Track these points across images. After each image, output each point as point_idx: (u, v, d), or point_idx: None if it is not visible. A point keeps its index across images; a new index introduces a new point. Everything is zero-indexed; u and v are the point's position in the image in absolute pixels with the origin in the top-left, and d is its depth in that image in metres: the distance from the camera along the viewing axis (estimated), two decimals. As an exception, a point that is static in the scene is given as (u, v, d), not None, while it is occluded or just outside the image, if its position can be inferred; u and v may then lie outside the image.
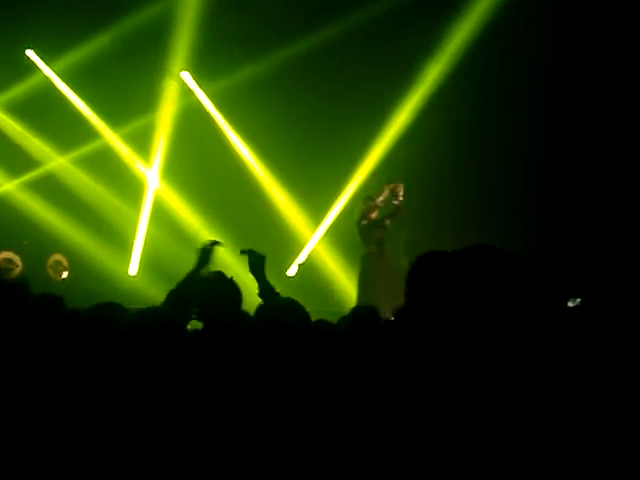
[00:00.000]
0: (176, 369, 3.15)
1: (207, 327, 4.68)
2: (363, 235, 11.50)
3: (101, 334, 4.11)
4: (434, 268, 2.82)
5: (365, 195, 12.12)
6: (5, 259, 11.51)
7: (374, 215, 11.48)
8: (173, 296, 5.02)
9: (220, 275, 4.95)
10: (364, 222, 11.46)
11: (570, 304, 5.14)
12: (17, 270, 11.56)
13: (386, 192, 11.64)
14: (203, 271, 5.19)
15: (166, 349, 3.32)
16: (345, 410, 3.00)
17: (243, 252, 5.20)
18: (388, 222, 11.62)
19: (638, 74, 11.36)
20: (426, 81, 12.82)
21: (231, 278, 4.91)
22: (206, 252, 5.27)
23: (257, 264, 5.06)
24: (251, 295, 5.08)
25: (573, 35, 11.83)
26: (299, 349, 3.75)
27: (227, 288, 4.83)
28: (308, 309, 12.02)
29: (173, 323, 3.44)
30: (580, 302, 5.12)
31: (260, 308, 4.16)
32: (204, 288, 4.88)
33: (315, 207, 13.98)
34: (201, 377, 3.06)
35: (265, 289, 4.96)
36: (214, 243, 5.36)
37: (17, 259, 11.58)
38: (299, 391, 3.46)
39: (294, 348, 3.76)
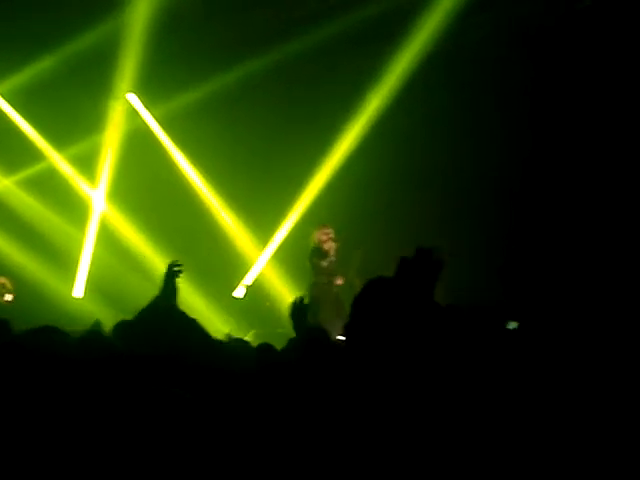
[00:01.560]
0: (116, 396, 3.11)
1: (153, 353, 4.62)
2: (314, 266, 11.55)
3: (39, 361, 4.06)
4: (377, 294, 2.87)
5: (318, 223, 12.10)
6: (0, 284, 11.40)
7: (326, 247, 11.52)
8: (125, 325, 4.89)
9: (171, 306, 4.86)
10: (315, 257, 11.50)
11: (510, 327, 5.25)
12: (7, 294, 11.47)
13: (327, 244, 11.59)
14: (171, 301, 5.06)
15: (105, 376, 3.28)
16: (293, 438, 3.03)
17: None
18: (325, 264, 11.61)
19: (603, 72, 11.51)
20: (376, 98, 12.90)
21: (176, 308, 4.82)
22: (170, 278, 5.09)
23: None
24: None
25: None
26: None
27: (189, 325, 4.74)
28: (254, 331, 12.03)
29: (114, 349, 3.39)
30: (517, 326, 5.23)
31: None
32: (162, 320, 4.78)
33: (262, 229, 14.00)
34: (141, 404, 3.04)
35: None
36: (175, 265, 5.16)
37: (9, 284, 11.49)
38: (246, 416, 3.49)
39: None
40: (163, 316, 4.79)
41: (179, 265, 5.14)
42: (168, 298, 5.01)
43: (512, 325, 5.51)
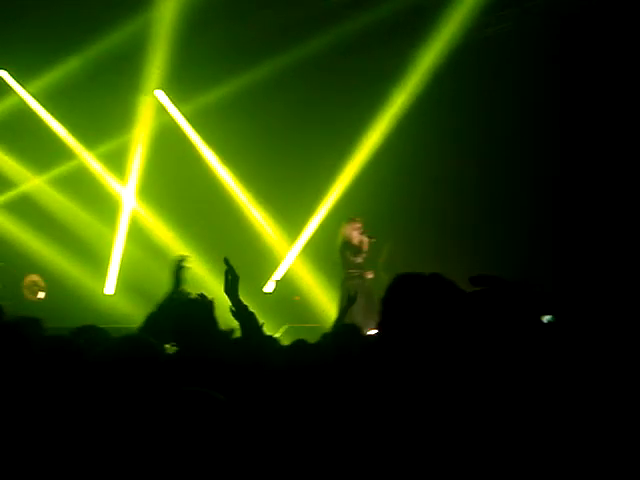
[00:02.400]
0: (153, 398, 3.10)
1: (181, 351, 4.69)
2: (345, 260, 11.51)
3: (77, 362, 4.09)
4: (408, 290, 2.86)
5: (347, 215, 12.10)
6: (32, 281, 11.56)
7: (356, 242, 11.49)
8: (151, 320, 5.04)
9: (193, 298, 4.98)
10: (346, 250, 11.48)
11: (544, 320, 5.21)
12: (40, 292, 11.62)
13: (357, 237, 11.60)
14: (182, 292, 5.21)
15: (144, 378, 3.30)
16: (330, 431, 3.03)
17: (226, 262, 5.22)
18: (359, 260, 11.60)
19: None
20: (401, 96, 12.87)
21: (202, 299, 4.93)
22: (178, 271, 5.30)
23: (232, 284, 5.07)
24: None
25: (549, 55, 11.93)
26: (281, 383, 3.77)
27: (200, 311, 4.84)
28: (286, 326, 12.05)
29: (152, 351, 3.41)
30: (553, 318, 5.19)
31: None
32: (178, 312, 4.91)
33: (291, 224, 14.01)
34: (176, 406, 3.04)
35: (238, 309, 4.98)
36: (182, 259, 5.39)
37: (41, 281, 11.63)
38: (285, 418, 3.50)
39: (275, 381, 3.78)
40: (178, 308, 4.95)
41: (185, 258, 5.41)
42: (175, 291, 5.24)
43: (547, 318, 5.48)
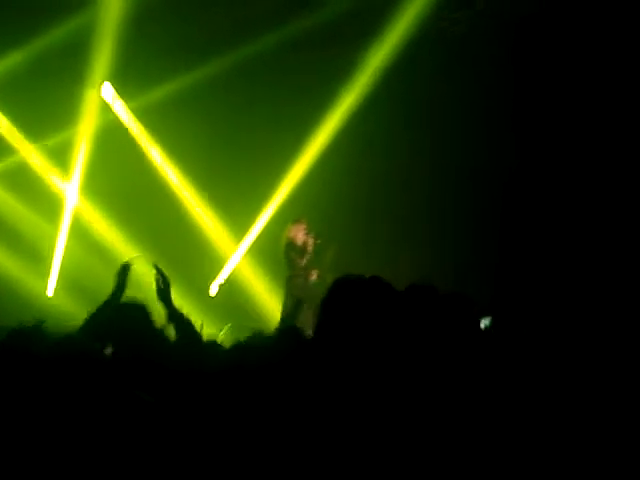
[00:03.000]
0: (84, 400, 3.05)
1: (117, 353, 4.65)
2: (289, 261, 11.52)
3: (17, 364, 4.02)
4: (346, 294, 2.86)
5: (293, 218, 12.06)
6: None
7: (300, 243, 11.49)
8: (90, 322, 5.02)
9: (128, 302, 4.98)
10: (290, 251, 11.47)
11: (482, 325, 5.25)
12: None
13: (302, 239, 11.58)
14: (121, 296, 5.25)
15: (78, 378, 3.25)
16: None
17: (156, 267, 5.22)
18: (311, 250, 11.59)
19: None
20: (351, 95, 12.87)
21: (137, 303, 4.93)
22: (121, 276, 5.33)
23: (163, 290, 5.08)
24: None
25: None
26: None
27: (134, 313, 4.83)
28: (229, 324, 11.93)
29: (88, 352, 3.38)
30: (490, 321, 5.22)
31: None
32: (111, 314, 4.93)
33: (237, 224, 13.94)
34: (104, 407, 3.00)
35: (172, 314, 4.95)
36: (127, 266, 5.44)
37: None
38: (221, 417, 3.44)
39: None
40: (112, 311, 5.00)
41: (131, 263, 5.49)
42: (116, 294, 5.27)
43: (485, 321, 5.50)
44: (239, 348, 5.00)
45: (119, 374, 3.46)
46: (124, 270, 5.40)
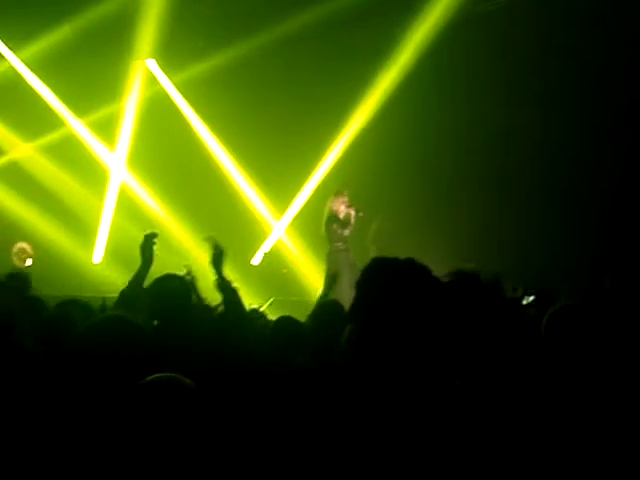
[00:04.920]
0: (124, 388, 3.04)
1: (160, 327, 4.74)
2: (330, 233, 11.47)
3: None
4: (381, 276, 2.85)
5: (335, 189, 12.08)
6: (20, 248, 11.51)
7: (342, 215, 11.45)
8: (124, 296, 5.08)
9: (170, 274, 5.04)
10: (332, 224, 11.43)
11: (524, 302, 5.29)
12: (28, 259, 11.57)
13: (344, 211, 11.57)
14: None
15: (125, 361, 3.28)
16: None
17: (207, 239, 5.27)
18: (347, 232, 11.57)
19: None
20: (393, 71, 12.84)
21: (176, 275, 5.00)
22: (146, 248, 5.29)
23: (217, 258, 5.13)
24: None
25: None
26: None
27: (172, 285, 4.90)
28: (272, 299, 12.04)
29: (132, 331, 3.42)
30: (533, 300, 5.25)
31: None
32: (154, 288, 4.97)
33: (281, 196, 14.01)
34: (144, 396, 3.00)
35: (223, 283, 5.03)
36: (151, 236, 5.36)
37: (29, 249, 11.60)
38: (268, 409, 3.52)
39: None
40: (155, 284, 5.01)
41: (155, 235, 5.36)
42: (145, 268, 5.21)
43: (529, 299, 5.53)
44: (280, 328, 5.14)
45: (162, 355, 3.48)
46: (149, 242, 5.30)
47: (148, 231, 5.43)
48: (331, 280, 8.07)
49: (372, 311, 2.70)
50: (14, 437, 3.09)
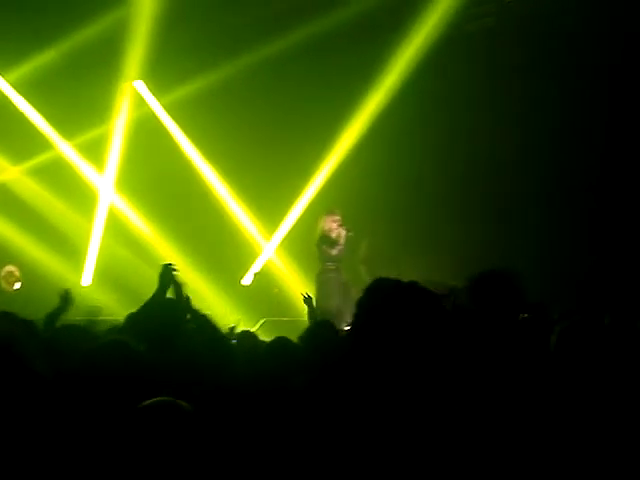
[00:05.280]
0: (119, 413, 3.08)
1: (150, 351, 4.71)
2: (322, 253, 11.48)
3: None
4: (383, 298, 2.84)
5: (324, 208, 12.07)
6: (8, 272, 11.49)
7: (334, 235, 11.45)
8: (131, 320, 5.06)
9: (166, 298, 5.03)
10: (323, 243, 11.43)
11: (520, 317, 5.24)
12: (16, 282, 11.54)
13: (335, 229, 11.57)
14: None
15: (124, 387, 3.34)
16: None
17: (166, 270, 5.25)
18: (335, 252, 11.56)
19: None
20: (382, 90, 12.86)
21: (173, 300, 4.99)
22: (165, 278, 5.32)
23: (178, 291, 5.13)
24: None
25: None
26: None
27: (170, 311, 4.88)
28: (264, 320, 11.98)
29: (132, 357, 3.43)
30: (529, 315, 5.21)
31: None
32: (148, 312, 4.94)
33: (270, 216, 13.99)
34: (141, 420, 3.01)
35: (192, 313, 5.02)
36: (170, 266, 5.42)
37: (17, 272, 11.57)
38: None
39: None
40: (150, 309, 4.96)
41: (173, 266, 5.44)
42: (159, 295, 5.27)
43: (523, 315, 5.48)
44: (274, 353, 5.10)
45: (159, 378, 3.49)
46: (167, 271, 5.35)
47: (166, 262, 5.56)
48: (307, 303, 8.05)
49: (373, 330, 2.69)
50: (20, 454, 3.10)
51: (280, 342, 5.18)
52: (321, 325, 5.89)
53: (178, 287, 5.20)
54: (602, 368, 3.61)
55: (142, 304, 5.21)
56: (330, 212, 11.61)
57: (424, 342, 2.68)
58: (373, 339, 2.71)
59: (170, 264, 5.43)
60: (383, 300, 2.78)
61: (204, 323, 4.94)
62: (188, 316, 5.17)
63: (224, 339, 5.10)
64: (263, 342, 5.67)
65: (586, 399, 3.38)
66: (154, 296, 5.24)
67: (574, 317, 4.04)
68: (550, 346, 3.88)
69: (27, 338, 4.61)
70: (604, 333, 3.88)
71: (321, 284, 11.41)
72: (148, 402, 2.91)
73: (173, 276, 5.27)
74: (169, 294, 5.35)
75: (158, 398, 2.93)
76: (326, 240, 11.41)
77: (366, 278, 11.58)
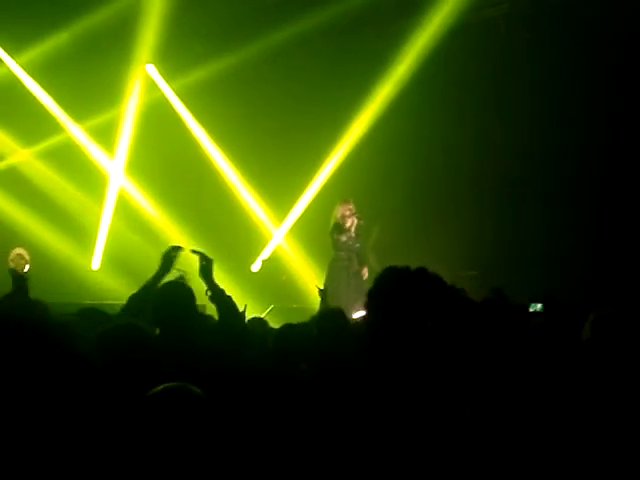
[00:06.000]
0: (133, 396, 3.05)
1: (162, 335, 4.69)
2: (334, 241, 11.50)
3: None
4: (394, 285, 2.83)
5: (335, 198, 12.06)
6: (18, 254, 11.48)
7: (348, 225, 11.46)
8: (134, 300, 5.07)
9: (174, 281, 5.00)
10: (336, 233, 11.44)
11: (531, 309, 5.21)
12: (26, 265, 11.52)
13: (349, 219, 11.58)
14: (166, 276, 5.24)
15: (136, 370, 3.34)
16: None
17: (194, 252, 5.23)
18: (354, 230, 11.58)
19: None
20: (393, 78, 12.81)
21: (182, 283, 4.96)
22: (168, 258, 5.32)
23: (206, 268, 5.09)
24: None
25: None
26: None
27: (178, 293, 4.85)
28: (272, 306, 11.96)
29: (142, 339, 3.43)
30: (541, 307, 5.18)
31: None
32: (158, 295, 4.92)
33: (280, 203, 13.98)
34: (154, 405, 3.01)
35: (215, 292, 4.98)
36: (176, 249, 5.41)
37: (26, 255, 11.56)
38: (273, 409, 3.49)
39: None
40: (158, 291, 4.94)
41: (179, 250, 5.41)
42: (160, 276, 5.23)
43: (536, 307, 5.45)
44: (283, 335, 5.08)
45: (166, 363, 3.49)
46: (172, 253, 5.36)
47: (174, 245, 5.53)
48: (321, 295, 8.09)
49: (386, 318, 2.69)
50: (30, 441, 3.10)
51: (289, 328, 5.16)
52: (332, 312, 5.87)
53: (206, 263, 5.14)
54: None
55: (143, 284, 5.20)
56: (344, 201, 11.61)
57: (438, 329, 2.67)
58: (386, 327, 2.70)
59: (177, 247, 5.42)
60: (394, 287, 2.77)
61: (227, 304, 4.89)
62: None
63: (243, 324, 5.09)
64: (273, 329, 5.66)
65: (621, 391, 3.35)
66: (155, 277, 5.22)
67: (610, 308, 4.01)
68: (582, 335, 3.86)
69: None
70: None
71: (330, 272, 11.41)
72: (159, 388, 2.90)
73: (199, 252, 5.22)
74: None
75: (169, 383, 2.92)
76: (337, 228, 11.41)
77: (376, 266, 11.58)
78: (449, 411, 2.62)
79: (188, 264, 5.37)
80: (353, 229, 11.38)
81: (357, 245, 11.36)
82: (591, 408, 3.18)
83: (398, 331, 2.69)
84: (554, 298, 5.18)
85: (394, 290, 2.78)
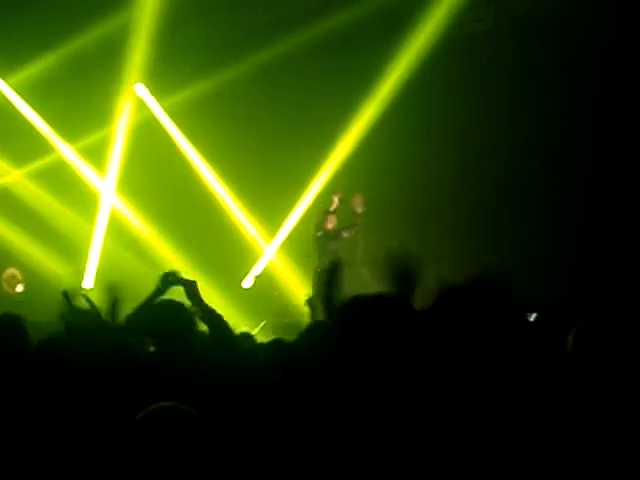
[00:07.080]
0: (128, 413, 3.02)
1: (159, 353, 4.70)
2: (318, 247, 11.47)
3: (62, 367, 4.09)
4: (360, 316, 2.89)
5: (322, 208, 12.12)
6: (11, 275, 11.50)
7: (330, 226, 11.44)
8: (131, 320, 5.07)
9: (170, 300, 5.00)
10: (319, 234, 11.42)
11: (530, 318, 5.24)
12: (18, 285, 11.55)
13: (335, 201, 11.63)
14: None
15: (126, 386, 3.35)
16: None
17: (172, 283, 5.22)
18: (346, 234, 11.59)
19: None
20: (380, 95, 12.88)
21: (179, 303, 4.97)
22: (165, 282, 5.28)
23: (191, 292, 5.06)
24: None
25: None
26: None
27: (177, 313, 4.86)
28: (264, 322, 11.97)
29: (134, 357, 3.42)
30: (537, 316, 5.21)
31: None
32: (155, 313, 4.92)
33: (271, 219, 14.02)
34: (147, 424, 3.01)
35: (205, 313, 4.94)
36: (174, 274, 5.35)
37: (19, 275, 11.58)
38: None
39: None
40: (155, 309, 4.95)
41: (178, 275, 5.35)
42: (155, 297, 5.20)
43: (532, 316, 5.49)
44: (274, 350, 5.10)
45: (161, 377, 3.48)
46: (170, 278, 5.31)
47: (174, 270, 5.47)
48: (309, 305, 8.06)
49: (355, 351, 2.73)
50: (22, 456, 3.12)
51: (277, 344, 5.18)
52: (317, 326, 5.89)
53: (189, 286, 5.13)
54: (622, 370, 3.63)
55: (139, 305, 5.21)
56: (325, 210, 11.65)
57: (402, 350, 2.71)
58: (354, 348, 2.74)
59: (175, 272, 5.38)
60: (355, 319, 2.83)
61: (218, 323, 4.88)
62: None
63: (236, 341, 5.08)
64: (261, 344, 5.68)
65: (606, 401, 3.40)
66: (150, 298, 5.19)
67: (593, 318, 4.04)
68: (567, 346, 3.90)
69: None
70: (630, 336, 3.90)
71: (317, 287, 11.42)
72: (151, 407, 2.89)
73: (180, 279, 5.21)
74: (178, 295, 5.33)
75: (161, 403, 2.90)
76: (322, 233, 11.40)
77: (368, 278, 11.61)
78: (435, 416, 2.66)
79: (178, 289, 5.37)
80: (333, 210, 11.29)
81: (344, 234, 11.28)
82: (576, 420, 3.23)
83: (364, 351, 2.74)
84: (549, 306, 5.21)
85: (355, 322, 2.85)
